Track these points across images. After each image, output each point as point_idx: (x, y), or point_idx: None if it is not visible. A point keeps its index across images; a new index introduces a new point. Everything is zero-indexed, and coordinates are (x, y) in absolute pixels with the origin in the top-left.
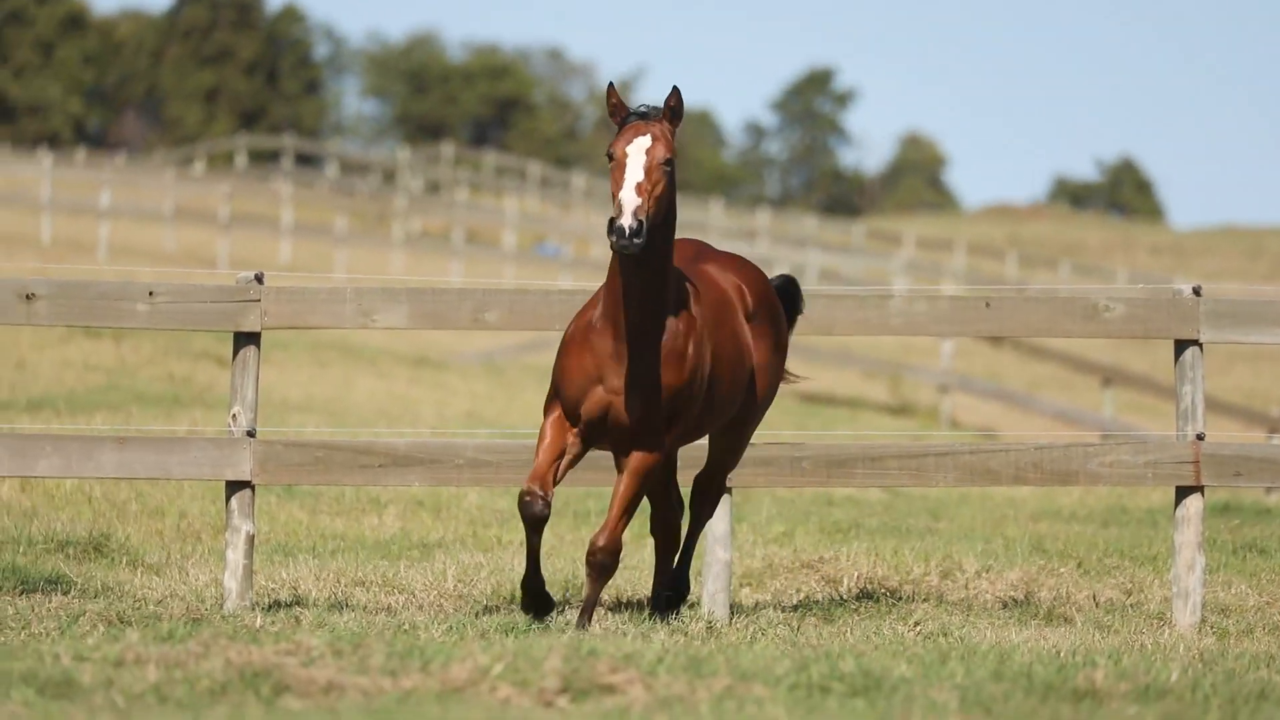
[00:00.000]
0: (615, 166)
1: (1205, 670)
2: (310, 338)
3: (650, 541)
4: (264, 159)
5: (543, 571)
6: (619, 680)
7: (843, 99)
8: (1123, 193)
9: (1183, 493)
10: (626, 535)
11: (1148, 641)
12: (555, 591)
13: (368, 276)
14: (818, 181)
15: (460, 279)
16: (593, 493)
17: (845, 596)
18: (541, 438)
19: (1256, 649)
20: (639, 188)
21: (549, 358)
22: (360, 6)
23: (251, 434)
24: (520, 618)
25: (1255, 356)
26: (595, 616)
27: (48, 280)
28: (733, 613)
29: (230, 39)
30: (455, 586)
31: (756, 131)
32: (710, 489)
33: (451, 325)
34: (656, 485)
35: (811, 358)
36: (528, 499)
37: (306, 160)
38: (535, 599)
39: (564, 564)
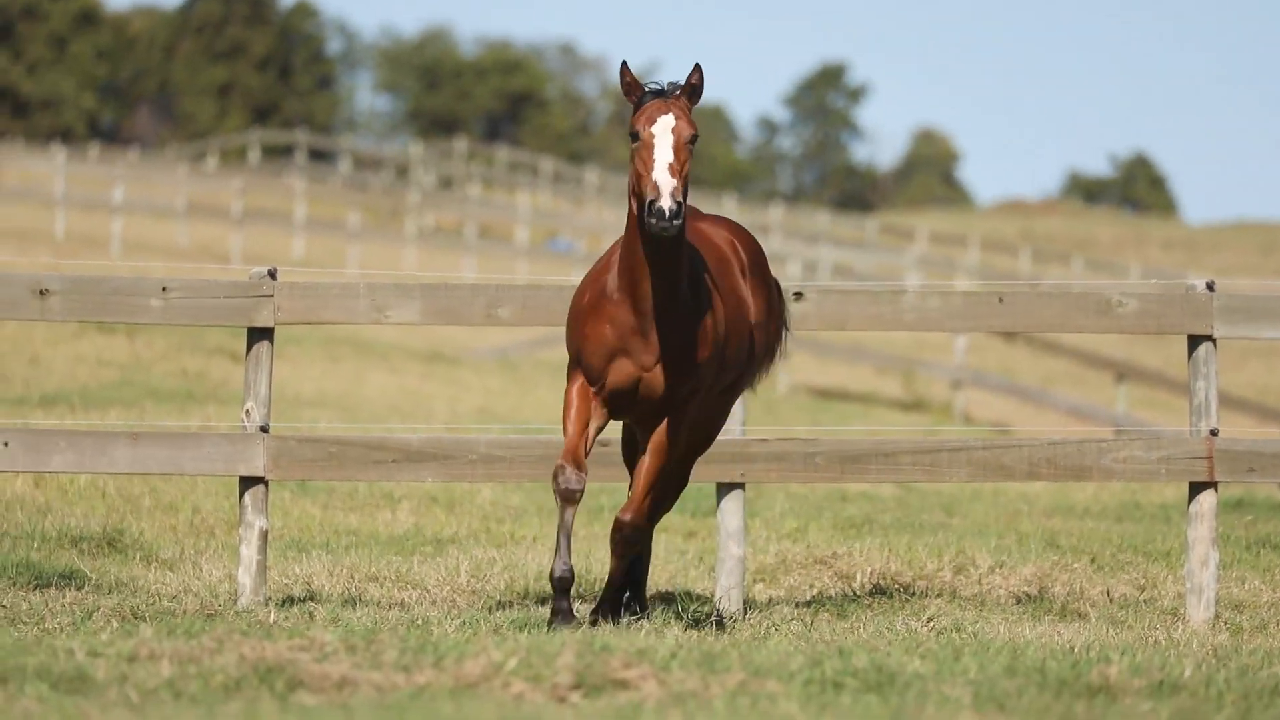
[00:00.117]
0: (642, 147)
1: (1219, 666)
2: (323, 333)
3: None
4: (277, 154)
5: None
6: (632, 676)
7: (855, 94)
8: (1136, 188)
9: (1196, 488)
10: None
11: (1161, 637)
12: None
13: (381, 272)
14: (830, 177)
15: (473, 274)
16: (606, 488)
17: (858, 592)
18: (567, 406)
19: (1270, 645)
20: (671, 168)
21: (562, 354)
22: (373, 2)
23: (265, 429)
24: (533, 612)
25: (1269, 352)
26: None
27: (61, 276)
28: (746, 608)
29: (243, 34)
30: (468, 582)
31: (769, 127)
32: (676, 475)
33: (465, 321)
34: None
35: (825, 353)
36: (563, 474)
37: (319, 155)
38: (564, 589)
39: (576, 560)
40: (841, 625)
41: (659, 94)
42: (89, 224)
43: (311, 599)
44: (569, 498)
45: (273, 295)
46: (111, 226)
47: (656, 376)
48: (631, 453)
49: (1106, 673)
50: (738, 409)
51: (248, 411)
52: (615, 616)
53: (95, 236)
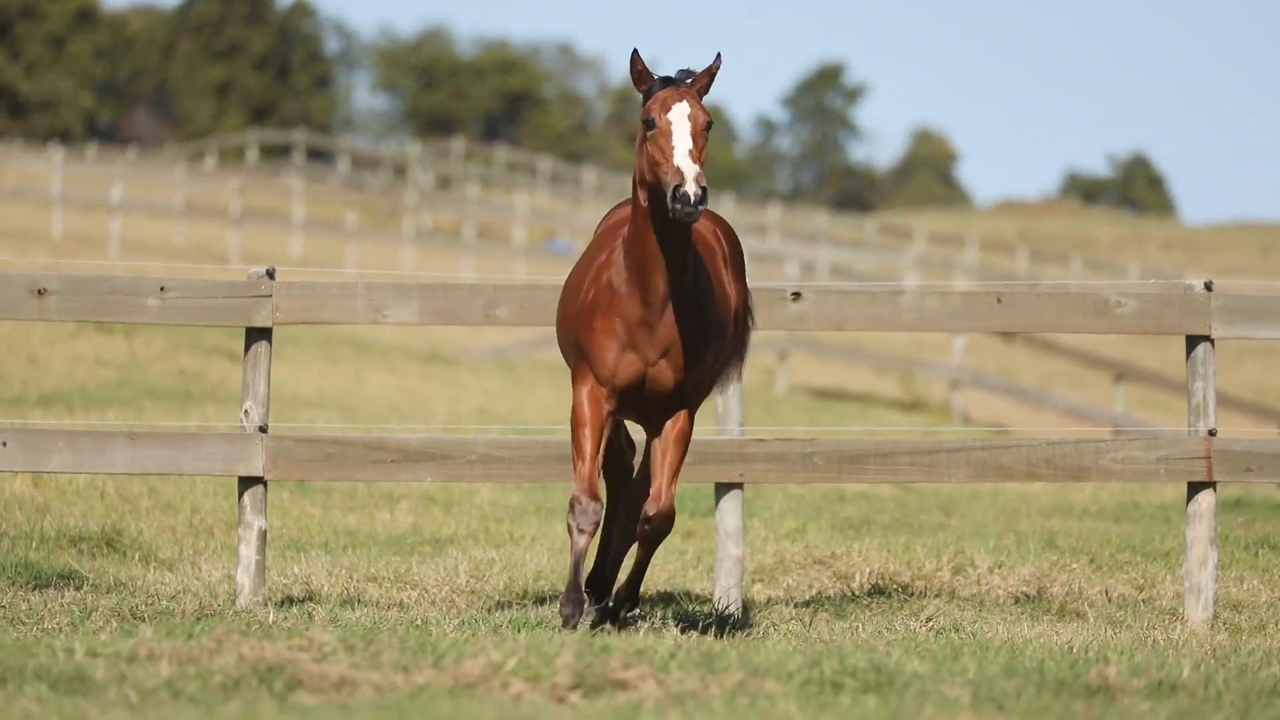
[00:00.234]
0: (659, 134)
1: (1218, 666)
2: (321, 333)
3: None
4: (275, 154)
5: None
6: (631, 676)
7: (853, 94)
8: (1135, 188)
9: (1194, 488)
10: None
11: (1160, 637)
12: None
13: (379, 272)
14: (829, 177)
15: (471, 274)
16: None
17: (857, 592)
18: (579, 422)
19: (1269, 645)
20: (691, 154)
21: (561, 354)
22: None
23: (264, 429)
24: (532, 612)
25: (1267, 352)
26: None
27: (59, 275)
28: (745, 608)
29: (241, 34)
30: (467, 582)
31: (767, 127)
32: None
33: (463, 321)
34: (612, 436)
35: (823, 353)
36: (579, 506)
37: (317, 155)
38: (574, 602)
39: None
40: (840, 625)
41: (669, 82)
42: (87, 224)
43: (310, 599)
44: (585, 530)
45: (271, 295)
46: (109, 226)
47: (664, 369)
48: (611, 458)
49: (1105, 673)
50: (736, 409)
51: (246, 411)
52: (615, 616)
53: (93, 236)
